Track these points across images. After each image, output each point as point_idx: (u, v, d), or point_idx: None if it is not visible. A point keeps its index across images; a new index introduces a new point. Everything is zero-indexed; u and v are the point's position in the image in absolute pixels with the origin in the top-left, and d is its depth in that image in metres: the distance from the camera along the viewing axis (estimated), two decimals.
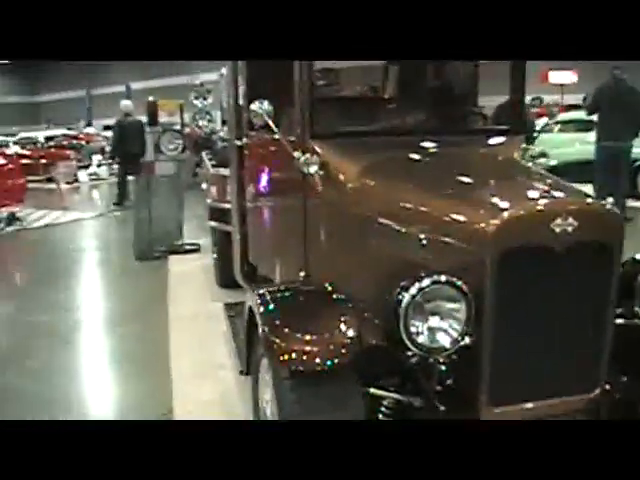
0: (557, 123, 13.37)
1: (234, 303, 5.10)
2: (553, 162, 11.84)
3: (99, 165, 20.08)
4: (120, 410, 4.11)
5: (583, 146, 10.12)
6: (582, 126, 11.60)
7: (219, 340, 4.97)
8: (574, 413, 2.73)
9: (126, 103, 13.05)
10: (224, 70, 4.81)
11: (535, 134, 10.45)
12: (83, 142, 23.64)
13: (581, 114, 11.43)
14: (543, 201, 2.58)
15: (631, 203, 10.50)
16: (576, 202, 2.62)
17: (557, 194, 2.65)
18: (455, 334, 2.47)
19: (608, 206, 2.70)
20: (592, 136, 10.18)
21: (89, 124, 33.56)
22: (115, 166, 14.01)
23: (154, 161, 8.44)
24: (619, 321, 2.87)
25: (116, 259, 8.51)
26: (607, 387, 2.88)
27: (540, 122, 13.10)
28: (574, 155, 11.22)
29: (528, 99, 15.15)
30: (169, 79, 33.28)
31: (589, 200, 2.67)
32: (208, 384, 4.20)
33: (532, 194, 2.68)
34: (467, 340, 2.51)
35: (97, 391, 4.47)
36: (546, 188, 2.72)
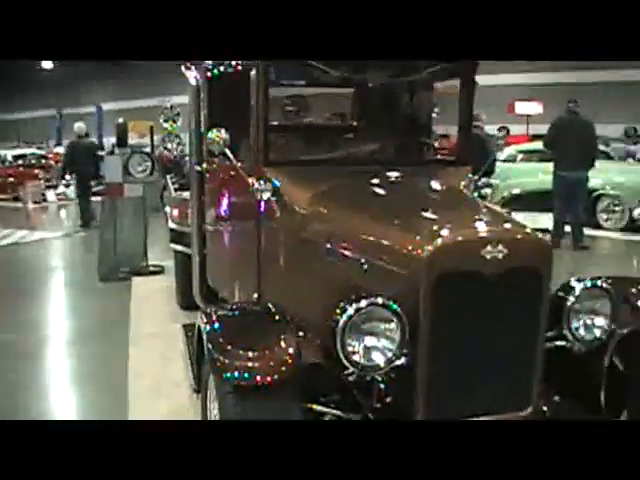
0: (521, 152, 13.73)
1: (192, 324, 5.20)
2: (516, 191, 12.07)
3: (67, 185, 20.05)
4: None
5: (545, 176, 10.37)
6: (545, 156, 11.93)
7: (177, 360, 5.08)
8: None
9: (79, 125, 13.41)
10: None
11: (497, 163, 10.81)
12: (52, 162, 23.52)
13: None
14: (475, 229, 2.76)
15: (589, 232, 10.82)
16: (506, 230, 2.81)
17: (490, 223, 2.84)
18: (389, 354, 2.63)
19: (538, 234, 2.88)
20: None
21: (59, 143, 33.42)
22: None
23: (122, 183, 8.49)
24: (550, 344, 3.04)
25: (80, 279, 8.55)
26: (544, 407, 3.07)
27: (505, 152, 13.52)
28: (537, 184, 11.47)
29: (495, 129, 15.43)
30: (140, 101, 33.30)
31: (519, 229, 2.85)
32: (163, 402, 4.30)
33: (467, 223, 2.86)
34: (402, 360, 2.67)
35: (57, 408, 4.55)
36: (481, 217, 2.93)
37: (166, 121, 16.27)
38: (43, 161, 23.17)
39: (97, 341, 5.77)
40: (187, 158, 14.99)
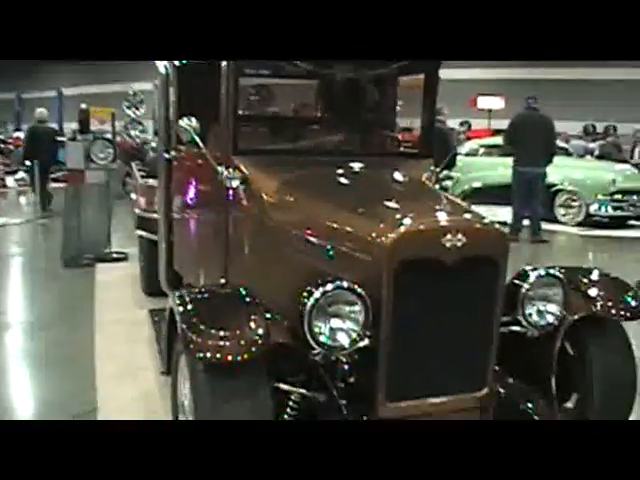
0: (482, 147, 13.98)
1: (158, 309, 5.30)
2: (477, 184, 12.27)
3: (27, 171, 19.81)
4: (45, 408, 4.26)
5: (506, 170, 10.60)
6: (506, 151, 12.09)
7: (143, 344, 5.16)
8: (464, 410, 3.05)
9: (41, 110, 13.58)
10: (158, 80, 5.00)
11: (459, 157, 11.00)
12: (11, 146, 23.17)
13: None
14: (436, 219, 2.90)
15: (547, 226, 11.10)
16: (465, 220, 2.96)
17: (450, 213, 2.99)
18: (354, 335, 2.77)
19: (495, 225, 3.03)
20: None
21: (18, 129, 32.93)
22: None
23: (84, 169, 8.48)
24: (505, 329, 3.20)
25: (44, 265, 8.55)
26: (500, 389, 3.23)
27: (467, 146, 13.75)
28: (497, 178, 11.66)
29: (457, 123, 15.64)
30: (102, 86, 32.96)
31: (478, 219, 2.99)
32: (131, 384, 4.39)
33: (428, 212, 3.00)
34: (366, 341, 2.81)
35: (24, 391, 4.61)
36: (441, 207, 3.08)
37: (129, 108, 16.13)
38: (2, 146, 22.81)
39: (63, 325, 5.81)
40: (148, 145, 15.05)
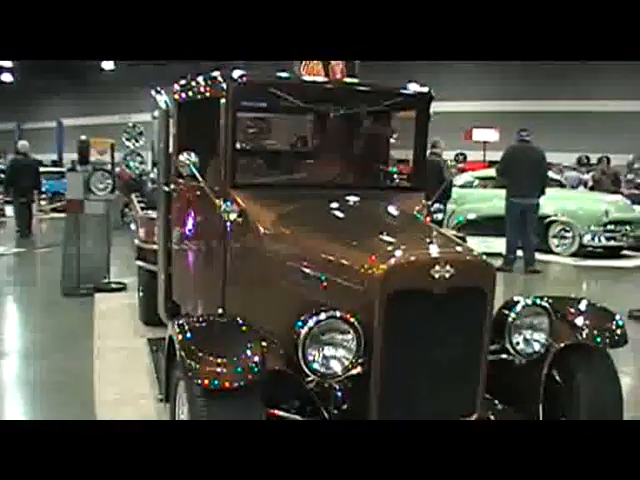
0: (477, 179, 14.15)
1: (157, 338, 5.40)
2: (472, 216, 12.37)
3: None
4: None
5: (501, 202, 10.72)
6: (500, 182, 12.21)
7: (141, 372, 5.24)
8: None
9: (23, 143, 14.56)
10: (157, 112, 5.13)
11: (453, 189, 11.15)
12: None
13: None
14: (425, 251, 3.03)
15: (541, 257, 11.22)
16: (454, 252, 3.09)
17: (439, 245, 3.12)
18: (346, 362, 2.89)
19: (483, 257, 3.16)
20: None
21: None
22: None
23: (83, 199, 8.61)
24: (493, 357, 3.31)
25: (43, 294, 8.63)
26: (491, 415, 3.33)
27: (462, 178, 13.92)
28: (492, 210, 11.74)
29: (453, 155, 15.83)
30: (101, 117, 33.30)
31: (466, 251, 3.12)
32: (129, 410, 4.45)
33: (418, 245, 3.14)
34: (358, 368, 2.92)
35: (22, 417, 4.66)
36: (431, 240, 3.21)
37: (128, 139, 16.32)
38: (1, 175, 22.94)
39: (63, 353, 5.89)
40: (147, 177, 15.19)
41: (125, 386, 4.97)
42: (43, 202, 16.41)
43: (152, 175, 14.61)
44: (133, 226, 7.14)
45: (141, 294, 6.77)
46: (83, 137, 12.93)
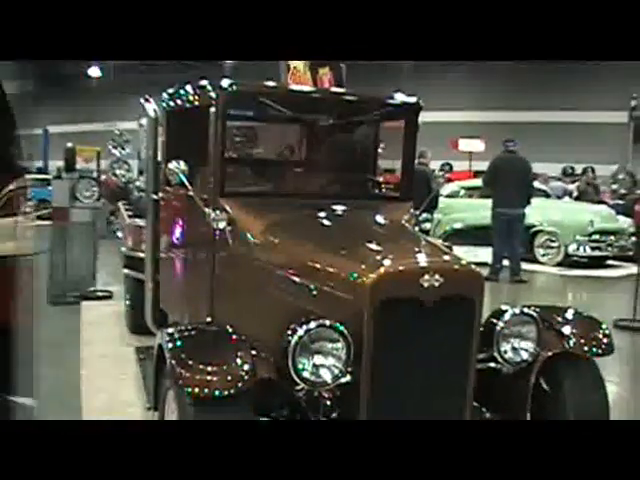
0: (463, 189, 14.21)
1: (144, 347, 5.38)
2: (458, 225, 12.48)
3: None
4: None
5: (486, 211, 10.78)
6: (486, 192, 12.26)
7: (129, 380, 5.22)
8: None
9: None
10: (143, 120, 5.13)
11: (440, 198, 11.20)
12: None
13: None
14: (414, 260, 3.05)
15: (527, 266, 11.28)
16: (443, 261, 3.11)
17: (428, 254, 3.14)
18: (336, 371, 2.89)
19: (471, 266, 3.18)
20: None
21: None
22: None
23: (69, 207, 8.56)
24: (481, 365, 3.32)
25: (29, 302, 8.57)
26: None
27: (448, 187, 13.98)
28: (478, 220, 11.78)
29: (439, 165, 15.92)
30: (87, 125, 33.19)
31: (455, 260, 3.14)
32: (117, 419, 4.43)
33: (407, 254, 3.16)
34: (348, 377, 2.93)
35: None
36: (420, 249, 3.23)
37: (115, 147, 16.32)
38: None
39: (49, 361, 5.84)
40: (133, 184, 15.17)
41: (112, 394, 4.95)
42: (28, 209, 16.34)
43: (138, 183, 14.60)
44: (120, 234, 7.12)
45: (128, 302, 6.74)
46: (69, 144, 12.91)
